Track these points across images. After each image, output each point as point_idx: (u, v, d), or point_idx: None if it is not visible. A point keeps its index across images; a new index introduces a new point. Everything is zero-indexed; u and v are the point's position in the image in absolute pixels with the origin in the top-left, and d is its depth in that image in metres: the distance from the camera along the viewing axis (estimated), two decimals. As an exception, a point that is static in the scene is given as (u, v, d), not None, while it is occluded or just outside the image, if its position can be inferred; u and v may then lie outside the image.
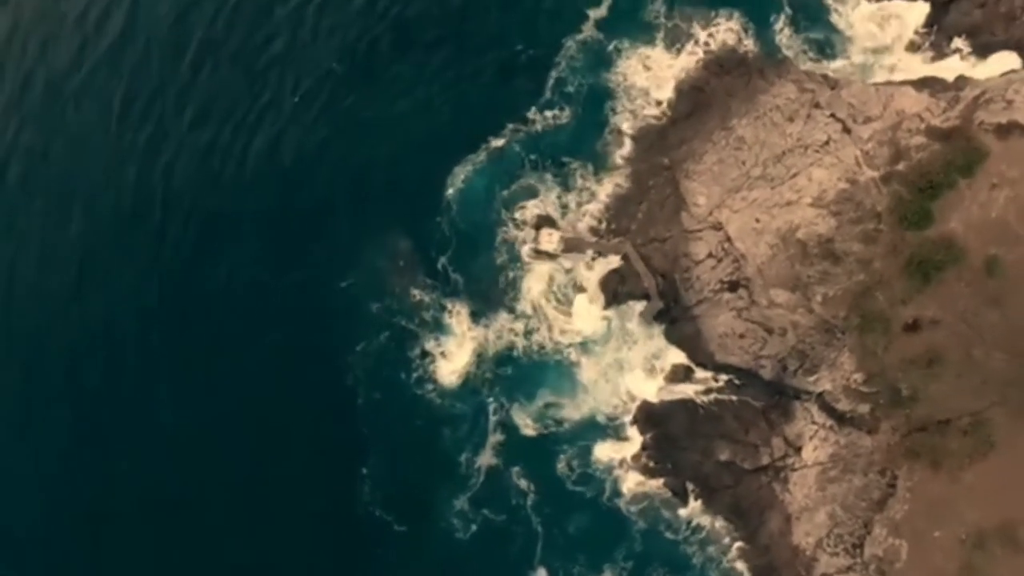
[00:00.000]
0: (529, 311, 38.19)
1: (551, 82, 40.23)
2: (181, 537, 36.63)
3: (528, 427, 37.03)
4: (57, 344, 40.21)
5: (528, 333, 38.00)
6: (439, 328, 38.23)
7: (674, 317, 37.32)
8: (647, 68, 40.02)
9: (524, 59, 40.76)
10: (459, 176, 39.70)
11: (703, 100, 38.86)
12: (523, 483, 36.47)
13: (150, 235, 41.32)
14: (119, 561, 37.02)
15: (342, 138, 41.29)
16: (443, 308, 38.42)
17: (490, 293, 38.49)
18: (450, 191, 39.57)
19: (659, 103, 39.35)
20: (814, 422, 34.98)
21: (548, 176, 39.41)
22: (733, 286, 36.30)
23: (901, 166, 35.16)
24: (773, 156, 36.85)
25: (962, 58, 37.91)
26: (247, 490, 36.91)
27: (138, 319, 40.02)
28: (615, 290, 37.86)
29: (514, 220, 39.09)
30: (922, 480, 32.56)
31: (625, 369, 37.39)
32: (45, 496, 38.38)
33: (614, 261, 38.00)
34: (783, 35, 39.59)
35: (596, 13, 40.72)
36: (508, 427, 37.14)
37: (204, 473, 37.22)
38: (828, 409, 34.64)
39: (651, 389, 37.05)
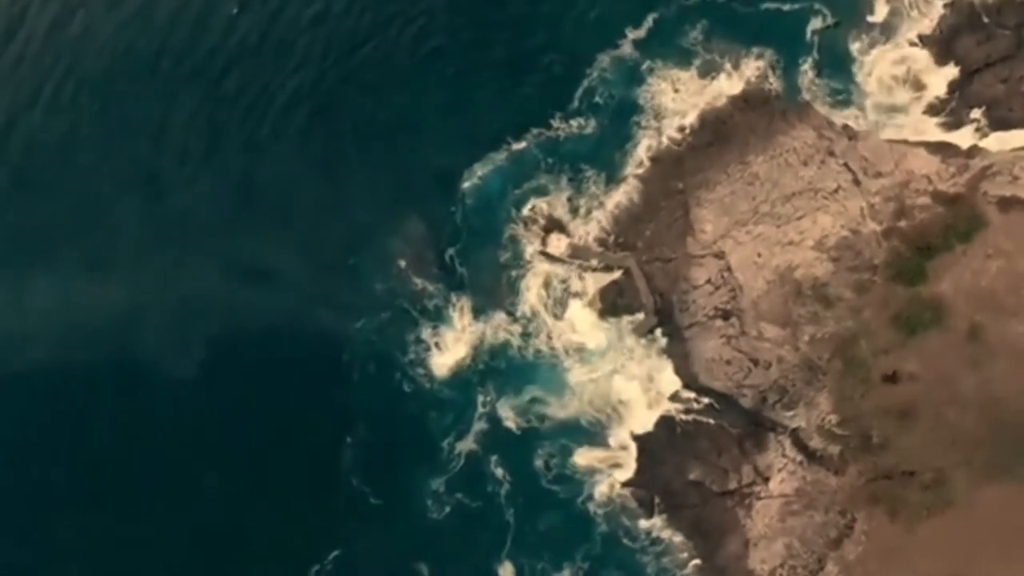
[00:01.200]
0: (529, 313, 38.77)
1: (580, 92, 40.79)
2: (158, 495, 37.65)
3: (513, 422, 37.68)
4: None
5: (525, 335, 38.53)
6: (439, 318, 38.82)
7: (666, 335, 38.08)
8: (676, 91, 40.60)
9: (557, 66, 41.40)
10: (477, 172, 40.29)
11: (724, 132, 39.65)
12: (500, 473, 37.15)
13: (160, 191, 42.38)
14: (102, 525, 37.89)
15: (363, 116, 42.01)
16: (446, 299, 38.99)
17: (493, 289, 39.14)
18: (466, 184, 40.19)
19: (682, 128, 39.92)
20: (784, 455, 35.87)
21: (564, 183, 39.99)
22: (726, 314, 37.28)
23: (903, 223, 36.20)
24: (783, 196, 37.88)
25: (977, 128, 38.56)
26: (234, 446, 37.84)
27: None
28: (614, 302, 38.57)
29: (525, 221, 39.67)
30: (879, 526, 33.65)
31: (617, 382, 37.89)
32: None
33: (616, 274, 38.74)
34: (807, 78, 40.28)
35: (635, 33, 41.22)
36: (493, 419, 37.78)
37: (190, 424, 38.30)
38: (800, 445, 35.60)
39: (641, 404, 37.67)
